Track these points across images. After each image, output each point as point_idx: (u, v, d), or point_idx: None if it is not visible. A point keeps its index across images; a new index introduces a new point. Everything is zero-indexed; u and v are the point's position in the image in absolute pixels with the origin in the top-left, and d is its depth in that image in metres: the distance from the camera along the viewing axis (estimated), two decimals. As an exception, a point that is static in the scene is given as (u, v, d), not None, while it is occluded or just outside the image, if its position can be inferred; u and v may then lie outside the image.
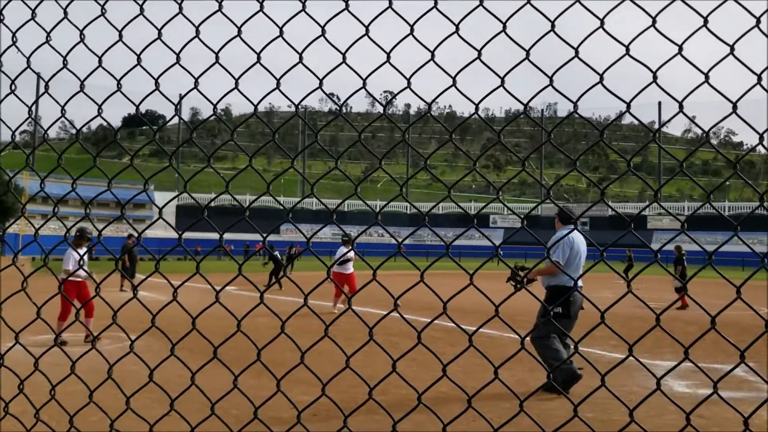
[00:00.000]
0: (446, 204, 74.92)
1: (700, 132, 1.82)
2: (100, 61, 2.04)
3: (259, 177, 2.17)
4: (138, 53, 2.01)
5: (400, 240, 1.82)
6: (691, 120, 1.71)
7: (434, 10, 1.76)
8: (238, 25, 1.87)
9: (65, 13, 2.10)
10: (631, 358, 1.64)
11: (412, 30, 1.77)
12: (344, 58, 1.83)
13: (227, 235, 61.95)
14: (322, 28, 1.83)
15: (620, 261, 26.81)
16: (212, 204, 2.45)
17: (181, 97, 3.17)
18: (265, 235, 1.88)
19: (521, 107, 1.64)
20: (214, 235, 58.30)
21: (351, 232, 13.83)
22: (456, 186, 2.02)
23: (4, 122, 2.25)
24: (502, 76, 1.71)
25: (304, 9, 1.85)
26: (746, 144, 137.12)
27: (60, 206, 2.05)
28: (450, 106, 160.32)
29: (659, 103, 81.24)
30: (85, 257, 8.51)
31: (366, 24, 1.79)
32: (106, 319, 2.13)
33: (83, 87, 2.05)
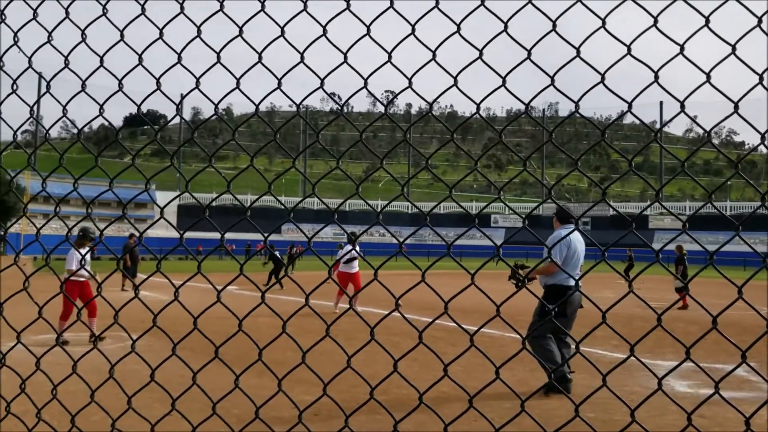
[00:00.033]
0: (447, 204, 74.94)
1: (701, 132, 1.82)
2: (101, 61, 2.05)
3: (260, 177, 2.17)
4: (139, 53, 2.01)
5: (401, 240, 1.82)
6: (693, 120, 1.71)
7: (435, 9, 1.76)
8: (240, 25, 1.87)
9: (67, 12, 2.10)
10: (632, 358, 1.64)
11: (413, 30, 1.77)
12: (345, 57, 1.83)
13: (229, 235, 61.96)
14: (324, 27, 1.83)
15: (621, 261, 26.79)
16: (214, 204, 2.45)
17: (183, 97, 3.16)
18: (266, 234, 1.88)
19: (523, 107, 1.64)
20: (216, 235, 58.36)
21: (355, 231, 13.78)
22: (457, 186, 2.03)
23: (5, 122, 2.26)
24: (503, 75, 1.71)
25: (305, 9, 1.85)
26: (748, 144, 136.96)
27: (62, 206, 2.05)
28: (451, 105, 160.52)
29: (661, 103, 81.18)
30: (88, 257, 8.51)
31: (367, 24, 1.79)
32: (108, 318, 2.13)
33: (85, 87, 2.05)
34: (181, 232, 2.04)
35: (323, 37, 1.83)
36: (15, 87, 2.20)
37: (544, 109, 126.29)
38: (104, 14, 2.04)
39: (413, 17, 1.78)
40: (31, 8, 2.18)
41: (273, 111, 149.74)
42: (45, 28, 2.10)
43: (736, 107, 1.50)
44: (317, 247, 56.14)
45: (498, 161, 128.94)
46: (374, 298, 14.39)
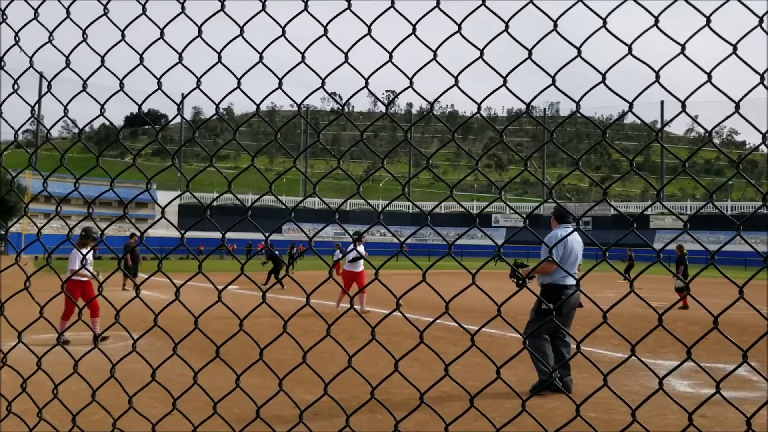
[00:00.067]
0: (448, 203, 74.91)
1: (702, 131, 1.82)
2: (102, 61, 2.05)
3: (261, 176, 2.17)
4: (140, 52, 2.01)
5: (402, 239, 1.82)
6: (694, 119, 1.71)
7: (436, 9, 1.76)
8: (241, 25, 1.87)
9: (68, 12, 2.10)
10: (633, 357, 1.64)
11: (414, 30, 1.77)
12: (346, 57, 1.83)
13: (230, 235, 61.95)
14: (325, 27, 1.83)
15: (621, 260, 26.78)
16: (215, 203, 2.45)
17: (184, 97, 3.16)
18: (267, 234, 1.89)
19: (523, 106, 1.64)
20: (217, 235, 58.38)
21: (359, 230, 13.73)
22: (458, 185, 2.02)
23: (6, 121, 2.26)
24: (504, 75, 1.71)
25: (306, 9, 1.86)
26: (749, 143, 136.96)
27: (63, 205, 2.05)
28: (452, 105, 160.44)
29: (662, 103, 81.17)
30: (90, 257, 8.51)
31: (368, 23, 1.79)
32: (109, 318, 2.14)
33: (86, 86, 2.05)
34: (182, 231, 2.05)
35: (324, 36, 1.83)
36: (16, 87, 2.20)
37: (545, 109, 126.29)
38: (105, 14, 2.05)
39: (414, 17, 1.78)
40: (32, 8, 2.18)
41: (274, 111, 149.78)
42: (46, 28, 2.10)
43: (737, 107, 1.50)
44: (318, 246, 56.12)
45: (499, 161, 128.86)
46: (375, 297, 14.39)
